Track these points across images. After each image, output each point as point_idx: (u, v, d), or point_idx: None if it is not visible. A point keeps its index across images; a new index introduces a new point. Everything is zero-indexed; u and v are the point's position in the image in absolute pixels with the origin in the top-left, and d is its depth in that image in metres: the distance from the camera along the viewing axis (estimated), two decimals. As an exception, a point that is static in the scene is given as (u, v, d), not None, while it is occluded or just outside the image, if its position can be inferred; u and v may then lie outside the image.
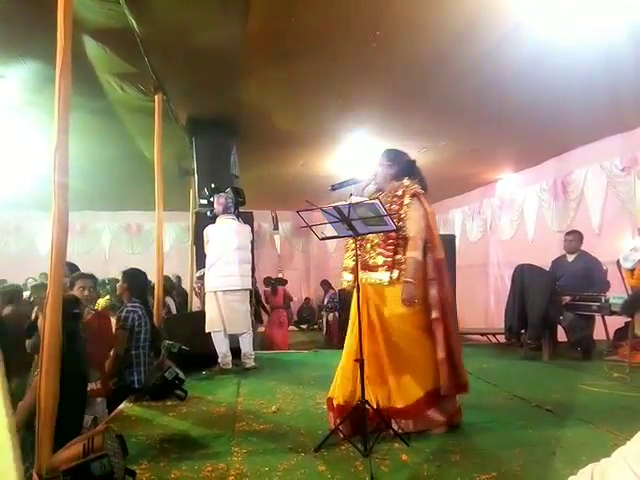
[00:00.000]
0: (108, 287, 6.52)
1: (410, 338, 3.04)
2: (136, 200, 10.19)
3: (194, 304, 7.81)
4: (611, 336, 5.49)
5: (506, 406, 3.67)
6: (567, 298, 5.38)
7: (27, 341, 3.60)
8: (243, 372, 5.06)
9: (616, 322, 5.39)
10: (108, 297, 5.78)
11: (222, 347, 5.11)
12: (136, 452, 2.75)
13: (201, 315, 5.36)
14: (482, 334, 7.94)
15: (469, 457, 2.64)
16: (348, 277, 3.22)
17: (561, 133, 7.01)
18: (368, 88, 5.48)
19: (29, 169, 7.38)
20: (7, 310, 4.35)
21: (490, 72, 5.01)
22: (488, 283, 10.57)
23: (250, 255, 5.41)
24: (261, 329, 8.76)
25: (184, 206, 8.30)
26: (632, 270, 5.33)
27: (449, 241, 7.33)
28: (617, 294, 5.18)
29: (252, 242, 5.58)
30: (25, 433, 2.43)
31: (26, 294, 5.21)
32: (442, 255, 3.15)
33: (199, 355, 5.05)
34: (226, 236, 5.18)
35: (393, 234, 3.02)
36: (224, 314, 5.07)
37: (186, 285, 8.49)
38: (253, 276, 5.66)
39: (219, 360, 5.11)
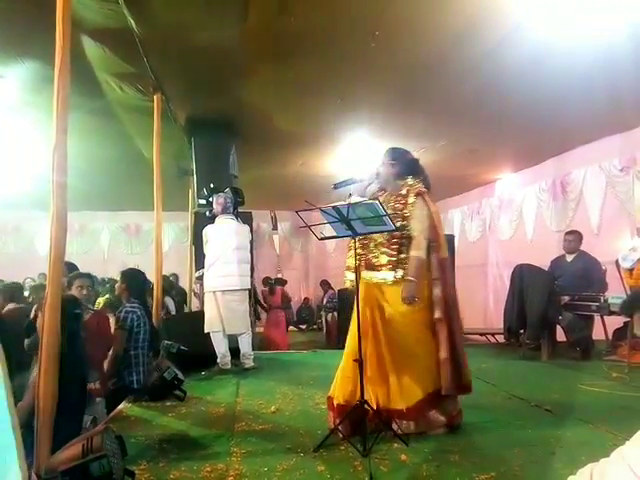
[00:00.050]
0: (108, 286, 6.51)
1: (413, 338, 3.03)
2: (135, 200, 10.18)
3: (193, 304, 7.81)
4: (610, 336, 5.49)
5: (505, 406, 3.67)
6: (566, 298, 5.39)
7: (26, 340, 3.60)
8: (242, 372, 5.06)
9: (615, 322, 5.39)
10: (107, 296, 5.77)
11: (221, 347, 5.11)
12: (135, 452, 2.75)
13: (200, 315, 5.36)
14: (481, 334, 7.95)
15: (468, 457, 2.64)
16: (351, 276, 3.20)
17: (560, 133, 7.01)
18: (368, 88, 5.48)
19: (28, 169, 7.37)
20: (9, 307, 4.34)
21: (490, 72, 5.01)
22: (487, 283, 10.57)
23: (249, 255, 5.41)
24: (259, 329, 8.73)
25: (183, 206, 8.30)
26: (631, 270, 5.34)
27: (448, 241, 7.24)
28: (616, 294, 5.19)
29: (251, 242, 5.58)
30: (24, 433, 2.43)
31: (25, 294, 5.21)
32: (446, 255, 3.15)
33: (198, 355, 5.05)
34: (225, 236, 5.18)
35: (397, 233, 3.02)
36: (223, 314, 5.07)
37: (184, 284, 8.48)
38: (252, 276, 5.66)
39: (218, 360, 5.10)
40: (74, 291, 3.99)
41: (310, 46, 4.56)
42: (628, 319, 4.95)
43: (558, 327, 5.55)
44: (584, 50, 4.47)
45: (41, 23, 2.93)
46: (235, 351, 5.22)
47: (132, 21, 3.84)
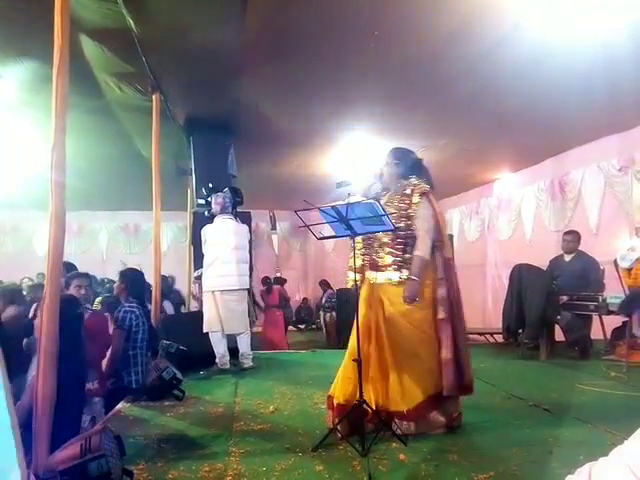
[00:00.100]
0: (108, 286, 6.50)
1: (416, 339, 3.02)
2: (134, 200, 10.16)
3: (191, 305, 7.79)
4: (608, 336, 5.50)
5: (504, 406, 3.67)
6: (564, 298, 5.39)
7: (25, 340, 3.60)
8: (241, 372, 5.06)
9: (613, 322, 5.40)
10: (101, 298, 5.74)
11: (220, 347, 5.10)
12: (134, 452, 2.75)
13: (199, 315, 5.36)
14: (480, 334, 7.96)
15: (467, 457, 2.64)
16: (354, 276, 3.20)
17: (559, 133, 7.02)
18: (367, 88, 5.48)
19: (26, 169, 7.36)
20: (10, 311, 4.32)
21: (488, 72, 5.02)
22: (486, 283, 10.57)
23: (248, 255, 5.41)
24: (257, 329, 8.71)
25: (182, 206, 8.29)
26: (629, 270, 5.35)
27: (447, 241, 7.33)
28: (614, 294, 5.20)
29: (250, 242, 5.58)
30: (23, 433, 2.43)
31: (24, 294, 5.19)
32: (450, 254, 3.15)
33: (197, 355, 5.04)
34: (224, 236, 5.18)
35: (402, 233, 3.02)
36: (222, 314, 5.07)
37: (183, 284, 8.43)
38: (251, 276, 5.66)
39: (217, 360, 5.10)
40: (72, 291, 3.99)
41: (309, 45, 4.56)
42: (627, 319, 4.95)
43: (557, 327, 5.55)
44: (583, 50, 4.47)
45: (40, 23, 2.93)
46: (234, 351, 5.22)
47: (131, 20, 3.83)
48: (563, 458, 2.53)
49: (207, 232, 5.24)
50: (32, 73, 4.60)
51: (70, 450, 2.16)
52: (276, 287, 10.03)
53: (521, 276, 5.52)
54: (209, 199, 5.48)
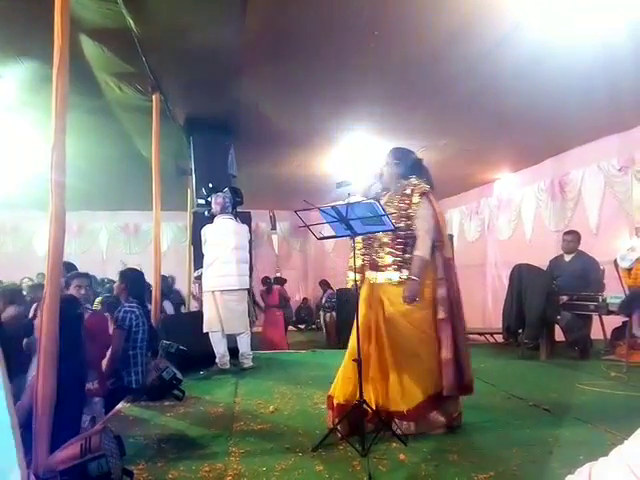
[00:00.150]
0: (108, 286, 6.50)
1: (416, 339, 3.02)
2: (134, 200, 10.16)
3: (191, 306, 7.79)
4: (608, 336, 5.50)
5: (504, 406, 3.67)
6: (564, 298, 5.39)
7: (25, 340, 3.60)
8: (241, 372, 5.06)
9: (613, 322, 5.40)
10: (101, 298, 5.74)
11: (220, 347, 5.10)
12: (134, 452, 2.75)
13: (199, 315, 5.36)
14: (480, 334, 7.96)
15: (467, 457, 2.64)
16: (354, 276, 3.20)
17: (559, 133, 7.02)
18: (367, 88, 5.48)
19: (26, 169, 7.36)
20: (10, 311, 4.32)
21: (488, 72, 5.02)
22: (486, 283, 10.57)
23: (248, 255, 5.41)
24: (257, 329, 8.70)
25: (182, 206, 8.29)
26: (629, 270, 5.35)
27: (447, 241, 7.33)
28: (614, 294, 5.20)
29: (250, 242, 5.57)
30: (23, 433, 2.43)
31: (24, 294, 5.18)
32: (450, 254, 3.15)
33: (197, 355, 5.04)
34: (224, 236, 5.17)
35: (402, 233, 3.03)
36: (222, 314, 5.07)
37: (183, 284, 8.43)
38: (251, 276, 5.66)
39: (217, 360, 5.10)
40: (72, 291, 3.99)
41: (309, 45, 4.56)
42: (627, 319, 4.95)
43: (557, 327, 5.55)
44: (583, 50, 4.47)
45: (40, 22, 2.93)
46: (234, 351, 5.22)
47: (131, 20, 3.83)
48: (563, 458, 2.53)
49: (207, 232, 5.23)
50: (32, 73, 4.60)
51: (70, 450, 2.16)
52: (276, 287, 10.02)
53: (521, 276, 5.52)
54: (209, 199, 5.48)
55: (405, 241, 3.05)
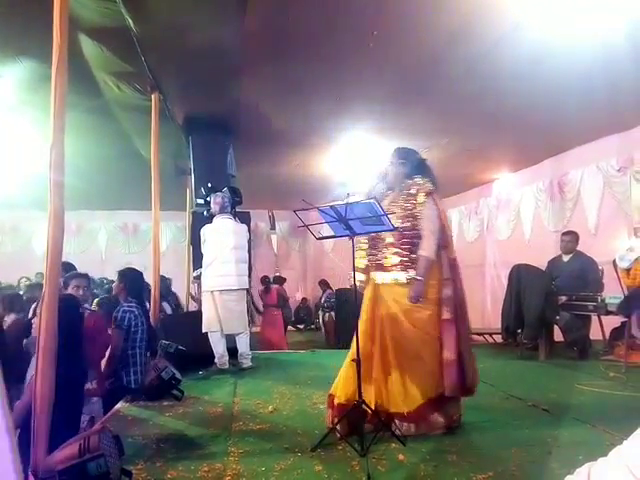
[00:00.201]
0: (107, 287, 6.48)
1: (419, 340, 3.01)
2: (133, 199, 10.13)
3: (190, 306, 7.78)
4: (607, 336, 5.51)
5: (503, 406, 3.67)
6: (563, 298, 5.40)
7: (24, 340, 3.59)
8: (240, 372, 5.06)
9: (612, 322, 5.41)
10: (98, 300, 5.72)
11: (219, 347, 5.10)
12: (132, 452, 2.74)
13: (198, 315, 5.35)
14: (479, 334, 7.94)
15: (466, 457, 2.64)
16: (359, 277, 3.18)
17: (558, 133, 7.02)
18: (366, 87, 5.48)
19: (25, 168, 7.35)
20: (11, 319, 4.30)
21: (487, 72, 5.02)
22: (485, 283, 10.57)
23: (247, 255, 5.41)
24: (256, 329, 8.68)
25: (181, 206, 8.29)
26: (628, 270, 5.35)
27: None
28: (613, 294, 5.20)
29: (249, 242, 5.57)
30: (21, 433, 2.42)
31: (23, 299, 5.16)
32: (454, 254, 3.15)
33: (196, 355, 5.04)
34: (223, 236, 5.17)
35: (407, 233, 3.03)
36: (221, 314, 5.06)
37: (182, 284, 8.42)
38: (250, 276, 5.65)
39: (216, 360, 5.10)
40: (71, 291, 3.98)
41: (308, 45, 4.56)
42: (625, 319, 4.96)
43: (555, 327, 5.55)
44: (583, 50, 4.47)
45: (38, 22, 2.93)
46: (233, 351, 5.22)
47: (130, 20, 3.83)
48: (562, 458, 2.53)
49: (206, 232, 5.23)
50: (31, 72, 4.59)
51: (69, 450, 2.16)
52: (274, 286, 9.92)
53: (520, 276, 5.52)
54: (208, 199, 5.47)
55: (411, 241, 3.05)
